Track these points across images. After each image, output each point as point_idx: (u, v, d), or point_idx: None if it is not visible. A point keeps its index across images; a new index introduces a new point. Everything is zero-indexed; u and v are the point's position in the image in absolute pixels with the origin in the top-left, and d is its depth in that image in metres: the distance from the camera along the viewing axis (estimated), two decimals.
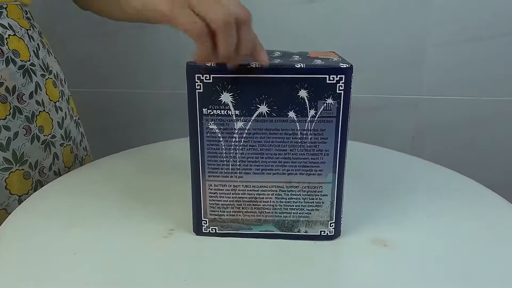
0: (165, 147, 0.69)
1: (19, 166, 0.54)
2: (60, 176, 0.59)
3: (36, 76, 0.57)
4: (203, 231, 0.42)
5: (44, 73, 0.59)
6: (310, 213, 0.41)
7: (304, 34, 0.87)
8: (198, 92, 0.38)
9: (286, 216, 0.41)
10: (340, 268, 0.39)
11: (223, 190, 0.41)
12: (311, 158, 0.39)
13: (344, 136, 0.39)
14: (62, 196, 0.52)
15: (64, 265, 0.38)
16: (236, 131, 0.39)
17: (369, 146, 0.69)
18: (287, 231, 0.42)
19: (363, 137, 0.72)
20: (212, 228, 0.42)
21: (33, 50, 0.58)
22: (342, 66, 0.37)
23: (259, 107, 0.38)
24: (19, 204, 0.50)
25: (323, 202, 0.40)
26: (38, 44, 0.59)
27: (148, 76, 0.94)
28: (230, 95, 0.38)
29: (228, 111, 0.38)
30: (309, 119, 0.38)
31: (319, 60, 0.39)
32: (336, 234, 0.42)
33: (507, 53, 0.86)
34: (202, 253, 0.40)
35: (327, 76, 0.37)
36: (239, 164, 0.40)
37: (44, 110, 0.58)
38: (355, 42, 0.87)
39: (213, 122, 0.39)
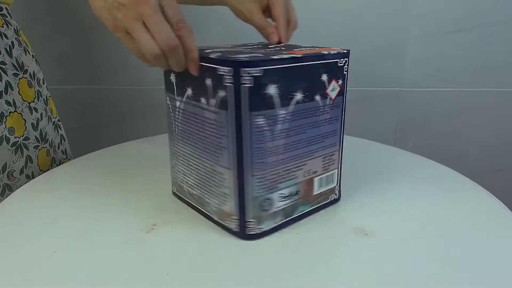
0: (148, 143, 0.70)
1: None
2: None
3: (7, 75, 0.55)
4: (172, 189, 0.50)
5: (18, 72, 0.57)
6: (219, 202, 0.42)
7: None
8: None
9: (206, 198, 0.44)
10: (322, 257, 0.39)
11: (173, 156, 0.48)
12: (213, 147, 0.41)
13: (240, 132, 0.38)
14: (42, 194, 0.51)
15: (44, 263, 0.37)
16: (176, 108, 0.44)
17: (351, 138, 0.69)
18: (207, 212, 0.44)
19: (346, 129, 0.60)
20: (174, 188, 0.49)
21: (5, 48, 0.55)
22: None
23: (187, 89, 0.42)
24: None
25: (227, 195, 0.41)
26: (12, 42, 0.57)
27: (131, 72, 0.94)
28: (174, 76, 0.44)
29: (173, 89, 0.44)
30: (212, 108, 0.39)
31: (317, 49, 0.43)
32: (242, 232, 0.41)
33: (488, 45, 0.88)
34: (184, 247, 0.41)
35: (218, 67, 0.37)
36: (179, 138, 0.45)
37: (15, 111, 0.55)
38: (337, 34, 0.88)
39: (168, 98, 0.46)
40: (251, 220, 0.40)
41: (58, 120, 0.67)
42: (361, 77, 0.91)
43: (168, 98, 0.46)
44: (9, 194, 0.52)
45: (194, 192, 0.46)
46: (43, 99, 0.63)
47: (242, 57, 0.37)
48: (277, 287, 0.34)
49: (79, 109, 0.97)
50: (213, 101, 0.39)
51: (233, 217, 0.41)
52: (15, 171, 0.56)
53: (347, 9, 0.88)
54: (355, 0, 0.87)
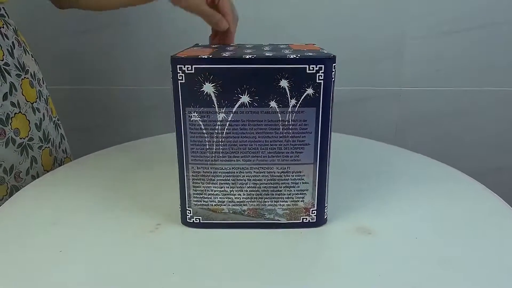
0: (150, 143, 0.69)
1: None
2: None
3: (10, 76, 0.54)
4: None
5: (20, 73, 0.56)
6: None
7: (284, 26, 0.87)
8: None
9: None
10: (325, 257, 0.40)
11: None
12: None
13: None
14: (46, 193, 0.51)
15: (49, 263, 0.37)
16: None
17: (352, 137, 0.71)
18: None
19: (346, 129, 0.75)
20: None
21: (7, 49, 0.55)
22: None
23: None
24: None
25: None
26: (13, 42, 0.56)
27: (132, 73, 0.94)
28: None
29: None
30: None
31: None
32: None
33: (487, 45, 0.90)
34: (188, 247, 0.41)
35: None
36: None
37: (20, 112, 0.55)
38: (336, 35, 0.89)
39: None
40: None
41: (58, 120, 0.67)
42: (361, 77, 0.91)
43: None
44: None
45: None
46: (44, 98, 0.62)
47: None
48: (279, 286, 0.35)
49: (80, 109, 0.96)
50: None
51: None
52: (21, 172, 0.56)
53: (346, 8, 0.86)
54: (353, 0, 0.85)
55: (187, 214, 0.43)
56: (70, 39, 0.91)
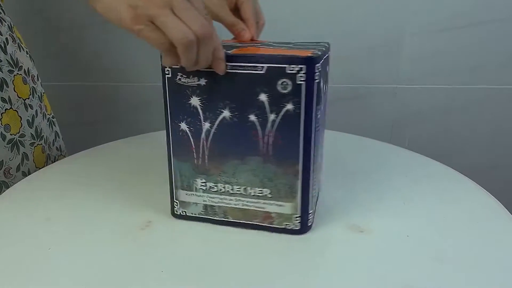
0: (143, 140, 0.70)
1: None
2: None
3: (2, 72, 0.55)
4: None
5: (13, 69, 0.57)
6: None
7: (281, 23, 0.86)
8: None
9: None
10: (317, 254, 0.39)
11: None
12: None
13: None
14: (37, 191, 0.51)
15: (38, 260, 0.37)
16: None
17: (348, 135, 0.71)
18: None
19: (342, 126, 0.73)
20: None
21: (0, 45, 0.55)
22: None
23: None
24: None
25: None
26: (6, 38, 0.57)
27: (128, 69, 0.95)
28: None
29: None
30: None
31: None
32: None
33: (483, 42, 0.88)
34: (178, 244, 0.41)
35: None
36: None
37: (11, 108, 0.56)
38: (333, 31, 0.89)
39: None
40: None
41: (53, 117, 0.66)
42: (358, 74, 0.91)
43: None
44: None
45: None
46: (38, 95, 0.62)
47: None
48: (272, 284, 0.35)
49: (75, 106, 0.97)
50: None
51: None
52: (11, 168, 0.56)
53: (343, 5, 0.87)
54: None
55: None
56: (66, 35, 0.91)
